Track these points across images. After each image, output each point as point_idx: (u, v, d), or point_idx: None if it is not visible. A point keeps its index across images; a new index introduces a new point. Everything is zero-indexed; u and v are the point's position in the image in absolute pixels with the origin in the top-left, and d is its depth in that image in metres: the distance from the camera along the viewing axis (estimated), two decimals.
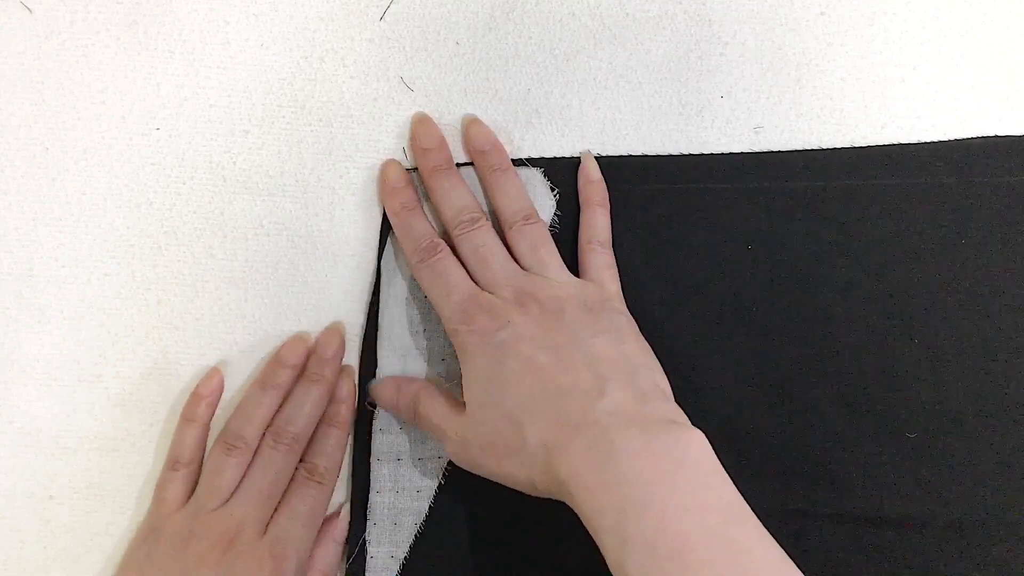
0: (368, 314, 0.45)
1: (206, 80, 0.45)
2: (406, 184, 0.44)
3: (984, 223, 0.43)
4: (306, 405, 0.43)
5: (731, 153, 0.44)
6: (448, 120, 0.45)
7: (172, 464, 0.43)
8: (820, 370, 0.43)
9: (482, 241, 0.41)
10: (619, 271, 0.43)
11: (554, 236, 0.43)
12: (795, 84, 0.45)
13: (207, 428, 0.44)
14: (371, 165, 0.45)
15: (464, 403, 0.39)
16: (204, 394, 0.44)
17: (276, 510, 0.42)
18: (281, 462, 0.42)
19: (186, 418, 0.44)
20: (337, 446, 0.43)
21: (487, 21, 0.45)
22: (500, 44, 0.45)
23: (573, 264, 0.43)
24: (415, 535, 0.42)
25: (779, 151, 0.44)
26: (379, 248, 0.44)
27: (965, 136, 0.44)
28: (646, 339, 0.40)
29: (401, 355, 0.44)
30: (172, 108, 0.45)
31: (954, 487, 0.42)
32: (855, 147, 0.44)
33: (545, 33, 0.45)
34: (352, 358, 0.45)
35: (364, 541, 0.42)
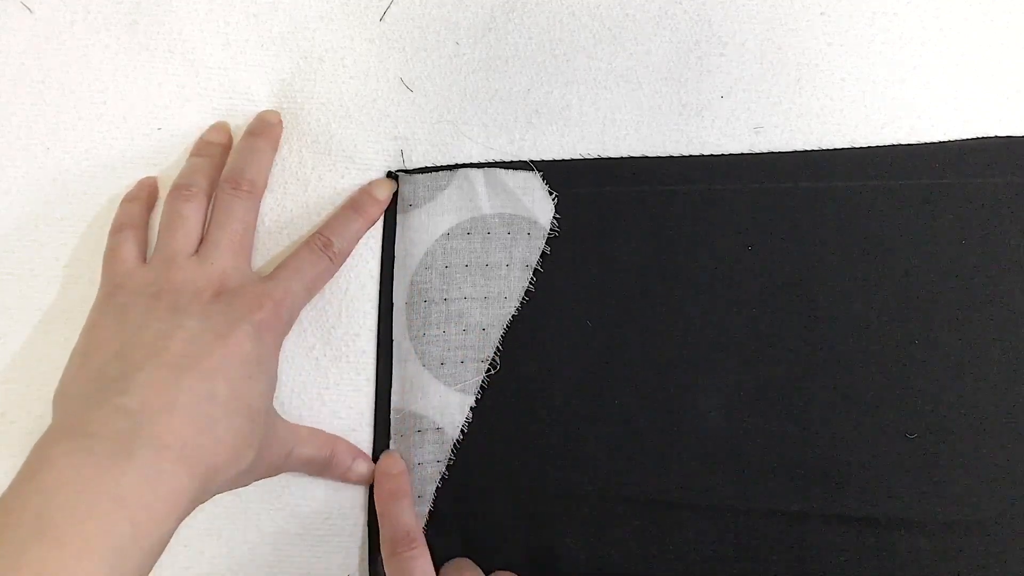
0: (379, 320, 0.44)
1: (207, 80, 0.45)
2: (399, 472, 0.42)
3: (984, 223, 0.43)
4: (256, 151, 0.42)
5: (731, 153, 0.44)
6: (448, 120, 0.45)
7: (117, 228, 0.42)
8: (820, 370, 0.43)
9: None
10: (619, 271, 0.43)
11: (553, 239, 0.43)
12: (795, 84, 0.45)
13: (150, 206, 0.43)
14: (371, 165, 0.45)
15: None
16: (147, 183, 0.43)
17: (280, 267, 0.41)
18: (243, 209, 0.41)
19: (126, 199, 0.43)
20: (357, 231, 0.43)
21: (487, 21, 0.45)
22: (500, 44, 0.45)
23: (573, 281, 0.43)
24: None
25: (779, 151, 0.44)
26: (381, 252, 0.44)
27: (965, 136, 0.44)
28: (646, 339, 0.39)
29: (400, 359, 0.44)
30: (174, 108, 0.45)
31: (954, 487, 0.42)
32: (855, 147, 0.44)
33: (545, 33, 0.45)
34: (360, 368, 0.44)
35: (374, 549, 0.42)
